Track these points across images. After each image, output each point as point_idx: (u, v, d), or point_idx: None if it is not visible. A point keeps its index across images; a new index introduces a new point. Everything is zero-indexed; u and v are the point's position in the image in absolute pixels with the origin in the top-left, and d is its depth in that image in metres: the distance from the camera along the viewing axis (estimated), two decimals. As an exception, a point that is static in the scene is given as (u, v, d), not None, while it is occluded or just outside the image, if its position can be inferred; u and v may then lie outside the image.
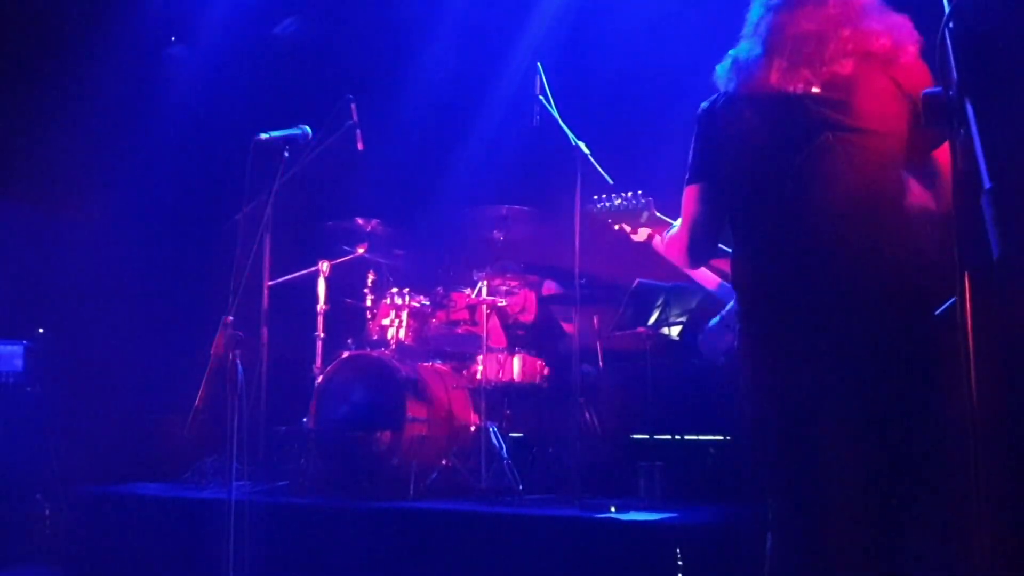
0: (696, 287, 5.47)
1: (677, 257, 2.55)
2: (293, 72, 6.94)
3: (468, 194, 6.36)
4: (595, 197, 2.98)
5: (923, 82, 2.17)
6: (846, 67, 2.24)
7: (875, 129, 2.22)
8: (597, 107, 5.93)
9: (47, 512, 5.82)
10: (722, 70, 2.38)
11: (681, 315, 5.51)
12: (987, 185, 1.25)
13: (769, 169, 2.27)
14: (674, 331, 5.61)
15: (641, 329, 5.48)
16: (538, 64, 5.12)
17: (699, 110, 2.41)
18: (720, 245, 2.51)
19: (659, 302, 5.44)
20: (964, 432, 1.49)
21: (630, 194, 2.92)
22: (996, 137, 1.36)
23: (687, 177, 2.41)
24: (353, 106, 5.05)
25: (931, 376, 2.14)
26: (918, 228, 2.21)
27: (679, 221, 2.52)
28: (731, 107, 2.34)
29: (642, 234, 2.92)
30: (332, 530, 4.38)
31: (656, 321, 5.48)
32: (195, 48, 7.06)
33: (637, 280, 5.32)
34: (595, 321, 6.08)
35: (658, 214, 2.87)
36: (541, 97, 5.03)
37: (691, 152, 2.41)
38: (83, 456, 6.13)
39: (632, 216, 2.90)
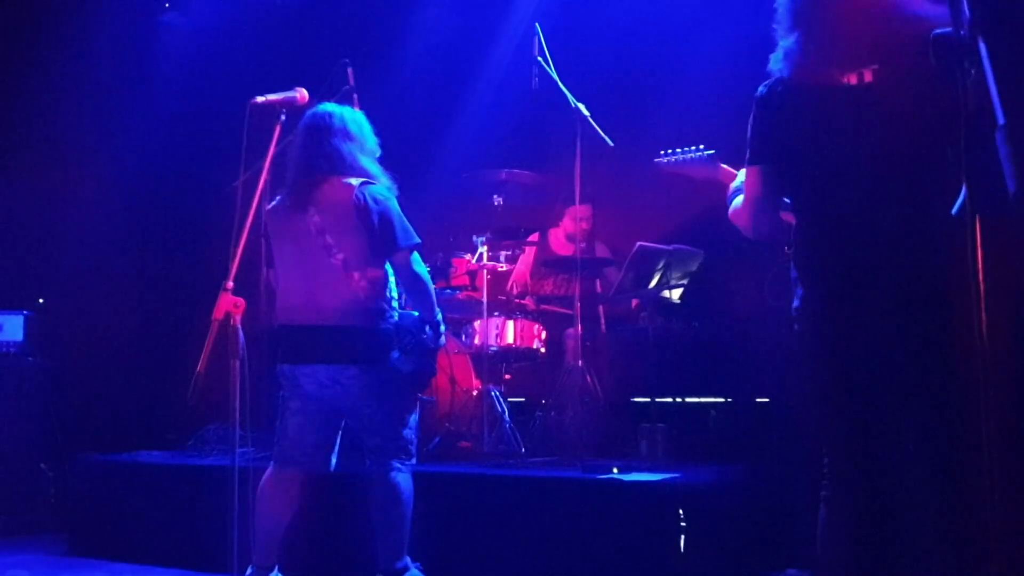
0: (697, 251, 5.52)
1: (743, 227, 2.72)
2: (288, 37, 6.87)
3: (467, 158, 6.32)
4: (662, 152, 3.16)
5: None
6: (894, 54, 2.31)
7: (927, 118, 2.28)
8: (596, 68, 5.88)
9: (51, 481, 5.85)
10: (775, 58, 2.53)
11: (682, 278, 5.49)
12: (1001, 121, 1.24)
13: (821, 158, 2.44)
14: (675, 294, 5.59)
15: (642, 292, 5.47)
16: (536, 25, 5.06)
17: (757, 93, 2.55)
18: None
19: (660, 265, 5.42)
20: (978, 384, 1.47)
21: (694, 147, 3.11)
22: (1009, 77, 1.34)
23: (747, 157, 2.58)
24: (350, 70, 4.98)
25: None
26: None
27: (741, 175, 2.74)
28: (784, 93, 2.48)
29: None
30: (335, 495, 4.38)
31: (657, 284, 5.47)
32: (189, 14, 6.99)
33: (638, 244, 5.29)
34: (597, 285, 6.07)
35: (724, 167, 3.05)
36: (540, 59, 4.98)
37: (749, 132, 2.58)
38: (86, 425, 6.15)
39: (704, 169, 3.10)
